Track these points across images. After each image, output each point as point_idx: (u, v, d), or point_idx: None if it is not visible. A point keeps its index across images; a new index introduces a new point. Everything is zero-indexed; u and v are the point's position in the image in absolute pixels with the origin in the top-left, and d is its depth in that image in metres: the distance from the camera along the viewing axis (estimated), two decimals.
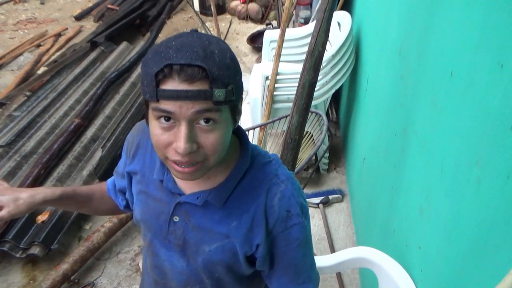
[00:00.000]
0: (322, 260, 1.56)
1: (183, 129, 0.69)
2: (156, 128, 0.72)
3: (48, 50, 4.97)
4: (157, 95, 0.67)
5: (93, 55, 4.29)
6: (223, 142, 0.75)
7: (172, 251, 0.95)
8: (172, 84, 0.67)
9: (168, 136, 0.72)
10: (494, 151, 0.89)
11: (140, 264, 2.55)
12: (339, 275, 2.41)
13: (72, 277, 2.40)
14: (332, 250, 2.58)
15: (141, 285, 1.20)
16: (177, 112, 0.68)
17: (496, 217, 0.86)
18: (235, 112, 0.78)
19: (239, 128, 0.91)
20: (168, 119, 0.70)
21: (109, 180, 1.16)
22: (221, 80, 0.68)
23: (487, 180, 0.91)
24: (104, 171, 3.06)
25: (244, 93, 3.99)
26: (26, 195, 0.98)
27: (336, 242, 2.67)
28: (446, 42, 1.24)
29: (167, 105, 0.68)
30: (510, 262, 0.70)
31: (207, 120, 0.71)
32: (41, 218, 2.56)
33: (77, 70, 4.01)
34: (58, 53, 4.84)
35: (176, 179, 0.90)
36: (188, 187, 0.89)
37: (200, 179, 0.85)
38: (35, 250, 2.38)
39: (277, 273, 0.95)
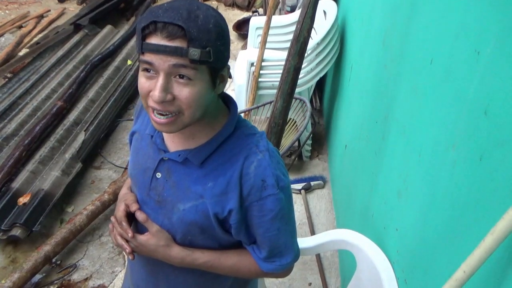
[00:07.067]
0: (303, 242, 1.60)
1: (160, 79, 0.78)
2: (141, 78, 0.82)
3: (30, 31, 4.87)
4: (142, 48, 0.77)
5: (76, 38, 4.23)
6: (197, 99, 0.81)
7: (150, 208, 1.00)
8: (155, 39, 0.76)
9: (149, 84, 0.81)
10: (469, 134, 0.93)
11: None
12: (319, 259, 2.47)
13: (53, 259, 2.40)
14: (313, 235, 2.63)
15: (127, 267, 1.25)
16: (156, 63, 0.77)
17: (469, 197, 0.91)
18: (215, 76, 0.84)
19: (230, 98, 0.97)
20: (150, 70, 0.79)
21: None
22: (199, 41, 0.75)
23: (462, 162, 0.95)
24: (87, 155, 3.05)
25: (229, 80, 3.97)
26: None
27: (317, 227, 2.72)
28: (427, 31, 1.28)
29: (149, 57, 0.77)
30: (480, 239, 0.74)
31: (182, 76, 0.78)
32: (23, 200, 2.55)
33: (60, 52, 3.96)
34: (40, 35, 4.75)
35: (165, 137, 0.97)
36: (173, 145, 0.96)
37: (184, 139, 0.93)
38: (17, 231, 2.37)
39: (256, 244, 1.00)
